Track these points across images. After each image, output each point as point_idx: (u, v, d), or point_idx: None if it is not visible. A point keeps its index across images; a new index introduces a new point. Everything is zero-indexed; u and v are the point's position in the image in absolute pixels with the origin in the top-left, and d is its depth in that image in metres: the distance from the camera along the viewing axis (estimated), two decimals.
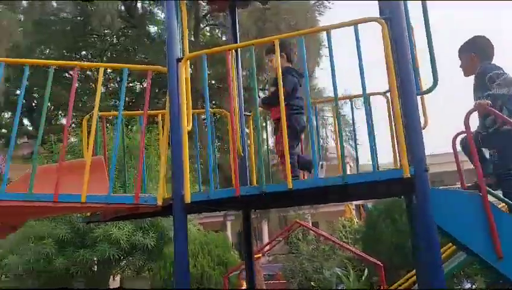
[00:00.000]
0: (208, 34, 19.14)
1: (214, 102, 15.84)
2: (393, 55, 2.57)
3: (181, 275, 2.81)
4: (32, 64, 3.15)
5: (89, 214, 3.93)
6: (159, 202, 2.90)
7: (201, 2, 17.92)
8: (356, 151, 3.94)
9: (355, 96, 3.97)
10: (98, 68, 3.29)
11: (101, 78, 3.04)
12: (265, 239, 22.26)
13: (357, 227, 15.80)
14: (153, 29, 19.07)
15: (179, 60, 3.04)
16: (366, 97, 2.67)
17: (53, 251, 8.54)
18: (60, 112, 18.73)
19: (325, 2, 14.75)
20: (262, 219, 20.99)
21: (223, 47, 3.32)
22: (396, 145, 3.51)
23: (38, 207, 2.87)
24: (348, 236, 14.25)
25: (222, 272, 9.11)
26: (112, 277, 10.82)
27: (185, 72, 3.00)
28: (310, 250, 10.07)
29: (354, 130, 4.55)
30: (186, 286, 2.78)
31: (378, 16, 2.86)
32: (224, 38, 20.20)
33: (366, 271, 9.35)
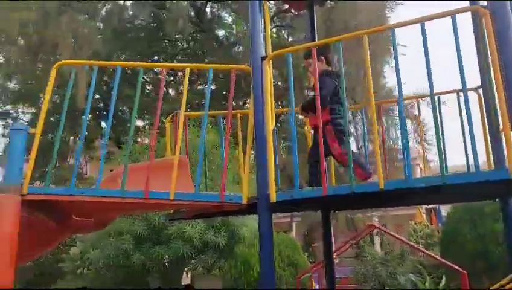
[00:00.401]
0: (275, 35, 19.21)
1: (278, 102, 15.87)
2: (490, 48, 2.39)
3: (266, 274, 2.80)
4: (124, 66, 3.29)
5: (172, 211, 4.06)
6: (244, 201, 2.91)
7: (269, 3, 18.08)
8: (444, 152, 3.70)
9: (443, 93, 3.74)
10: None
11: (186, 79, 3.11)
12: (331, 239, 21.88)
13: (428, 231, 15.06)
14: (220, 33, 19.52)
15: (263, 58, 3.04)
16: (466, 94, 2.49)
17: (131, 247, 8.94)
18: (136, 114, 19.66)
19: None
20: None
21: (309, 44, 3.27)
22: (489, 145, 3.28)
23: (129, 204, 3.00)
24: (419, 241, 13.65)
25: (292, 273, 9.06)
26: (184, 273, 11.14)
27: (268, 70, 2.99)
28: (383, 254, 9.72)
29: (440, 129, 4.30)
30: (271, 286, 2.76)
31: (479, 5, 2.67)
32: (290, 40, 20.21)
33: (443, 278, 8.87)
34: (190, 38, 18.58)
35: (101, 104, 18.50)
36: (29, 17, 13.08)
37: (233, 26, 20.38)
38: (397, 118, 16.83)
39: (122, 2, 15.47)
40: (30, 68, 14.93)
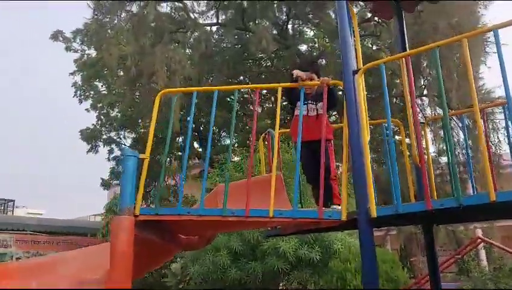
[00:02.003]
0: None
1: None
2: None
3: (371, 283, 2.72)
4: (221, 90, 3.46)
5: (269, 228, 4.14)
6: (343, 217, 2.88)
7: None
8: None
9: None
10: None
11: (279, 97, 3.18)
12: None
13: None
14: (303, 48, 19.66)
15: (355, 72, 3.02)
16: None
17: (228, 262, 9.22)
18: (222, 133, 20.39)
19: None
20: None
21: (402, 54, 3.20)
22: None
23: (231, 222, 3.12)
24: None
25: (391, 289, 8.67)
26: (279, 289, 11.18)
27: (361, 83, 2.96)
28: (492, 269, 8.92)
29: None
30: None
31: None
32: (374, 48, 19.72)
33: None
34: (273, 56, 18.95)
35: (193, 125, 19.53)
36: (127, 50, 14.32)
37: (315, 40, 20.44)
38: (498, 121, 15.61)
39: (208, 28, 16.27)
40: (130, 97, 16.24)
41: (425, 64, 14.45)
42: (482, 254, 16.66)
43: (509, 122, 3.82)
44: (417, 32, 12.28)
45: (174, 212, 3.17)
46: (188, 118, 18.36)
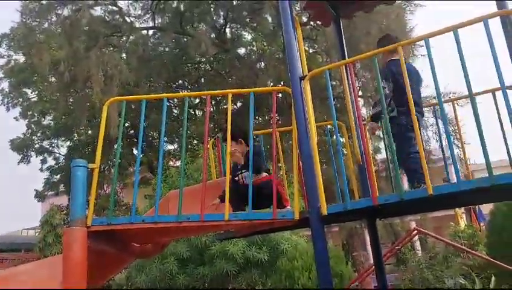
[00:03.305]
0: None
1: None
2: None
3: (325, 283, 2.87)
4: (170, 97, 3.47)
5: (222, 231, 4.20)
6: (296, 216, 3.01)
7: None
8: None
9: (479, 94, 3.76)
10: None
11: (230, 103, 3.26)
12: (368, 247, 21.66)
13: (470, 232, 14.70)
14: (241, 51, 19.86)
15: (301, 78, 3.17)
16: (505, 92, 2.56)
17: (175, 269, 9.13)
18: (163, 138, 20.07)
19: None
20: (364, 226, 20.50)
21: (344, 61, 3.39)
22: None
23: (187, 227, 3.15)
24: (462, 242, 13.34)
25: (337, 284, 9.01)
26: None
27: (308, 89, 3.11)
28: (428, 258, 9.56)
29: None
30: (330, 287, 2.84)
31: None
32: (311, 51, 20.34)
33: (493, 279, 8.65)
34: (212, 59, 18.98)
35: (131, 131, 19.05)
36: (59, 55, 13.71)
37: (253, 43, 20.73)
38: (427, 119, 16.72)
39: (145, 32, 15.98)
40: (63, 104, 15.55)
41: (359, 66, 15.13)
42: (417, 245, 17.74)
43: (440, 121, 4.15)
44: (350, 36, 12.85)
45: (127, 221, 3.14)
46: (127, 124, 17.75)
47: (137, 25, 15.65)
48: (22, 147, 17.40)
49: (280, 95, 18.14)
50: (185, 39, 17.16)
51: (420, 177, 3.04)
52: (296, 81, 3.16)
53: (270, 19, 18.78)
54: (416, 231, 8.12)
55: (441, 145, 4.05)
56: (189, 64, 19.35)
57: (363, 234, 22.45)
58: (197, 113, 20.14)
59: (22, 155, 17.43)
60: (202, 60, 19.51)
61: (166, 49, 17.39)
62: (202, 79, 19.54)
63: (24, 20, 13.74)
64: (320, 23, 4.45)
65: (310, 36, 18.69)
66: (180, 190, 3.16)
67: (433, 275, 8.61)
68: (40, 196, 17.63)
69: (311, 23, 17.99)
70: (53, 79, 16.96)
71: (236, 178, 3.49)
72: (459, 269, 9.51)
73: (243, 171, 3.46)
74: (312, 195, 2.97)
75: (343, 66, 3.37)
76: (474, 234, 14.24)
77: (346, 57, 4.34)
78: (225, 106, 20.25)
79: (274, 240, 9.67)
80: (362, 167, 3.95)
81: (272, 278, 9.78)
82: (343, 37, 4.52)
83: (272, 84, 15.84)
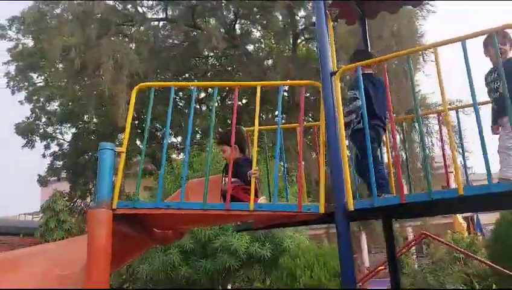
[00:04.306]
0: (305, 48, 19.46)
1: (310, 114, 15.98)
2: None
3: (347, 278, 2.89)
4: (198, 86, 3.49)
5: (238, 222, 4.22)
6: (321, 210, 3.03)
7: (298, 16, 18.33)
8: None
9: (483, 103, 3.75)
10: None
11: (258, 95, 3.26)
12: (364, 250, 21.79)
13: (468, 240, 14.75)
14: (250, 47, 19.86)
15: (332, 73, 3.19)
16: None
17: (178, 260, 9.16)
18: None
19: (428, 6, 14.23)
20: (362, 229, 20.57)
21: (379, 58, 3.41)
22: None
23: (210, 215, 3.16)
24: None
25: (338, 284, 9.05)
26: (229, 285, 11.27)
27: (338, 85, 3.13)
28: (430, 263, 9.60)
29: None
30: (353, 284, 2.86)
31: None
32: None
33: (494, 287, 8.70)
34: (220, 54, 18.98)
35: (136, 122, 19.04)
36: (71, 41, 13.70)
37: (262, 40, 20.73)
38: (432, 126, 16.76)
39: (156, 22, 15.98)
40: (71, 90, 15.55)
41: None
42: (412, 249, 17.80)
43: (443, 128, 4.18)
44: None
45: (153, 206, 3.16)
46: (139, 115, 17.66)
47: (149, 15, 15.63)
48: (26, 132, 17.40)
49: (286, 93, 18.20)
50: (195, 33, 17.16)
51: (383, 185, 3.28)
52: (327, 77, 3.18)
53: (280, 17, 18.83)
54: (423, 235, 8.15)
55: (443, 152, 4.03)
56: (197, 58, 19.35)
57: (359, 237, 22.56)
58: (202, 107, 20.14)
59: (26, 139, 17.43)
60: (210, 54, 19.53)
61: (176, 42, 17.39)
62: (209, 73, 19.54)
63: (37, 4, 13.72)
64: (346, 21, 4.42)
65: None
66: (206, 179, 3.18)
67: (436, 280, 8.66)
68: (42, 181, 17.64)
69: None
70: (61, 65, 16.96)
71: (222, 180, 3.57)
72: (460, 277, 9.57)
73: (225, 175, 3.52)
74: (338, 190, 2.99)
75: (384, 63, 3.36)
76: (472, 242, 14.29)
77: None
78: (229, 102, 20.26)
79: (277, 237, 9.70)
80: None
81: (273, 275, 9.83)
82: (368, 39, 4.54)
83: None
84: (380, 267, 7.68)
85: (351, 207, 2.90)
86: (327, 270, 9.06)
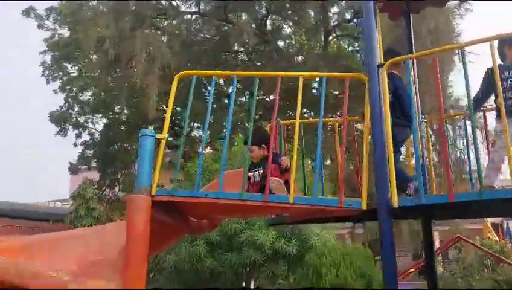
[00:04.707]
0: (336, 46, 19.24)
1: (339, 113, 15.79)
2: None
3: (390, 277, 2.81)
4: (239, 75, 3.45)
5: (272, 216, 4.18)
6: (364, 206, 2.94)
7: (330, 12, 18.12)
8: None
9: None
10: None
11: (301, 86, 3.20)
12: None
13: (497, 247, 14.33)
14: (280, 43, 19.76)
15: (379, 65, 3.09)
16: None
17: (204, 252, 9.20)
18: (195, 124, 20.13)
19: (467, 4, 13.83)
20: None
21: (431, 50, 3.30)
22: None
23: (248, 206, 3.13)
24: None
25: (364, 284, 8.90)
26: (252, 280, 11.27)
27: (385, 77, 3.04)
28: (462, 269, 9.37)
29: None
30: (395, 284, 2.78)
31: None
32: (350, 49, 20.09)
33: None
34: (251, 50, 18.95)
35: (165, 115, 19.18)
36: (105, 33, 13.91)
37: (292, 36, 20.60)
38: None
39: (189, 16, 16.06)
40: (104, 81, 15.80)
41: None
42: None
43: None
44: (398, 36, 12.61)
45: (191, 195, 3.15)
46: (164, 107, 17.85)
47: (182, 9, 15.73)
48: (60, 120, 17.79)
49: (315, 90, 18.04)
50: (226, 27, 17.17)
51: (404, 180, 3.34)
52: (373, 69, 3.09)
53: (312, 14, 18.65)
54: (458, 239, 7.94)
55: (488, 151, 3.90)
56: (227, 53, 19.37)
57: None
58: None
59: (59, 128, 17.83)
60: (240, 49, 19.52)
61: (207, 36, 17.45)
62: (238, 68, 19.54)
63: None
64: (389, 15, 4.30)
65: (352, 34, 18.47)
66: (245, 169, 3.14)
67: (467, 285, 8.43)
68: (73, 170, 18.02)
69: (355, 20, 17.80)
70: (95, 56, 17.26)
71: (251, 173, 3.53)
72: (489, 283, 9.32)
73: (258, 168, 3.58)
74: (382, 186, 2.91)
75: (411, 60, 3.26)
76: (502, 249, 13.86)
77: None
78: (257, 97, 20.22)
79: (304, 234, 9.62)
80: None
81: (297, 272, 9.75)
82: (412, 33, 4.41)
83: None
84: (410, 270, 7.52)
85: (395, 204, 2.80)
86: (353, 270, 8.92)
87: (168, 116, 3.38)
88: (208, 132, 19.68)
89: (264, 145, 3.61)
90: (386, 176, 2.89)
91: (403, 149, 4.16)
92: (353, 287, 8.41)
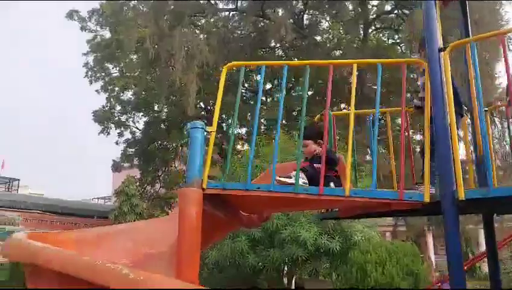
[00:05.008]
0: (375, 38, 18.78)
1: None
2: None
3: (457, 275, 2.63)
4: (291, 65, 3.35)
5: (323, 210, 4.05)
6: (426, 198, 2.77)
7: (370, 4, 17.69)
8: None
9: None
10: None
11: (354, 74, 3.07)
12: (431, 251, 20.83)
13: None
14: (317, 38, 19.49)
15: (441, 49, 2.91)
16: None
17: (246, 248, 9.18)
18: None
19: None
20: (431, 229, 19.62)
21: (494, 32, 3.09)
22: None
23: (302, 200, 3.02)
24: None
25: (411, 283, 8.61)
26: (294, 277, 11.17)
27: (448, 62, 2.85)
28: None
29: None
30: (462, 285, 2.59)
31: None
32: (390, 41, 19.56)
33: None
34: (288, 45, 18.79)
35: (203, 113, 19.34)
36: (146, 32, 14.14)
37: (330, 30, 20.26)
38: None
39: (226, 13, 16.09)
40: (145, 80, 16.08)
41: None
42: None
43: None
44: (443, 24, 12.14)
45: (243, 187, 3.07)
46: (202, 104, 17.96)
47: (220, 6, 15.77)
48: (102, 119, 18.27)
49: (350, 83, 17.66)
50: (263, 24, 17.09)
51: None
52: (434, 52, 2.91)
53: (350, 7, 18.28)
54: None
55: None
56: (264, 49, 19.29)
57: (426, 237, 21.58)
58: (267, 99, 20.06)
59: (102, 127, 18.31)
60: (277, 45, 19.38)
61: (244, 32, 17.43)
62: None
63: None
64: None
65: (393, 26, 17.97)
66: (298, 162, 3.04)
67: None
68: (116, 167, 18.46)
69: (395, 11, 17.30)
70: (135, 56, 17.59)
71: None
72: None
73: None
74: (447, 177, 2.72)
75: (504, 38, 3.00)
76: None
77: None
78: (294, 94, 20.01)
79: (347, 230, 9.42)
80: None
81: (341, 269, 9.55)
82: (469, 19, 4.16)
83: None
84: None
85: (462, 196, 2.61)
86: (400, 268, 8.64)
87: (217, 108, 3.31)
88: (244, 129, 19.77)
89: (320, 141, 3.45)
90: (451, 166, 2.71)
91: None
92: (400, 287, 8.14)
